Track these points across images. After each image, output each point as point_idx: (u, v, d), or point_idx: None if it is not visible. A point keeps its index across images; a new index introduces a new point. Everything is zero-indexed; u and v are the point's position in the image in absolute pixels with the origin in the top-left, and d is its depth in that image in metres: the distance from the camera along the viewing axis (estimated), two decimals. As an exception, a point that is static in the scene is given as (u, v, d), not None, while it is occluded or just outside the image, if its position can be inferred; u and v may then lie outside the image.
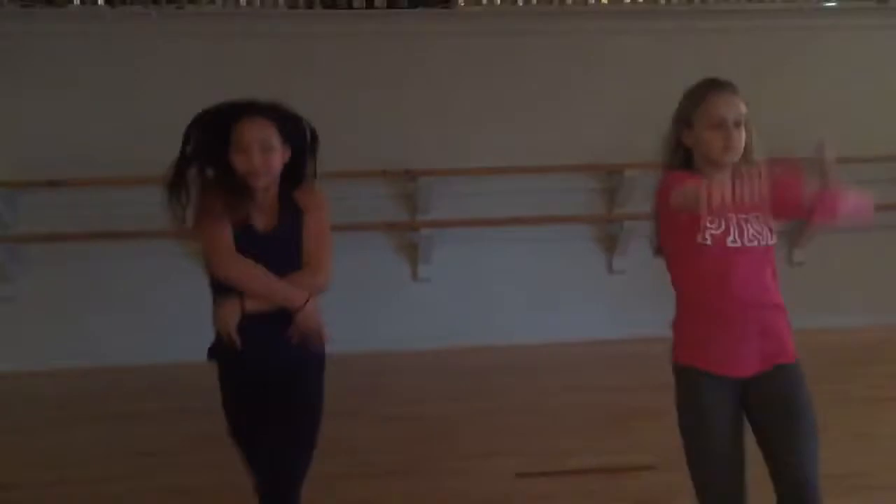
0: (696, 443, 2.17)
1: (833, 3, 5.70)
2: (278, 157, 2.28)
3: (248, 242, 2.26)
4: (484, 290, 5.47)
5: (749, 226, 2.15)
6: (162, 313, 4.99)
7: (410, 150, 5.24)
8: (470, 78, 5.39)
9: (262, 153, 2.24)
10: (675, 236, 2.18)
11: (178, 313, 4.73)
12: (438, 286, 5.43)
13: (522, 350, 5.17)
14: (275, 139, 2.26)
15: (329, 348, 2.45)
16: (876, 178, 5.21)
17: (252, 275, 2.22)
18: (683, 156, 2.25)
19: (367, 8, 5.17)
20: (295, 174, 2.36)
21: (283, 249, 2.30)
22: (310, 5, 5.12)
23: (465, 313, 5.39)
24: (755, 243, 2.14)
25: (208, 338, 2.28)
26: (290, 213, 2.31)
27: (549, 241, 5.42)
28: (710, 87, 2.23)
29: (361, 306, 5.27)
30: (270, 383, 2.27)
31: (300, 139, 2.37)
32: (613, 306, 5.30)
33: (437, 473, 3.47)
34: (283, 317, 2.26)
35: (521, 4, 5.43)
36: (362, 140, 5.14)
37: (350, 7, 5.13)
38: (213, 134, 2.28)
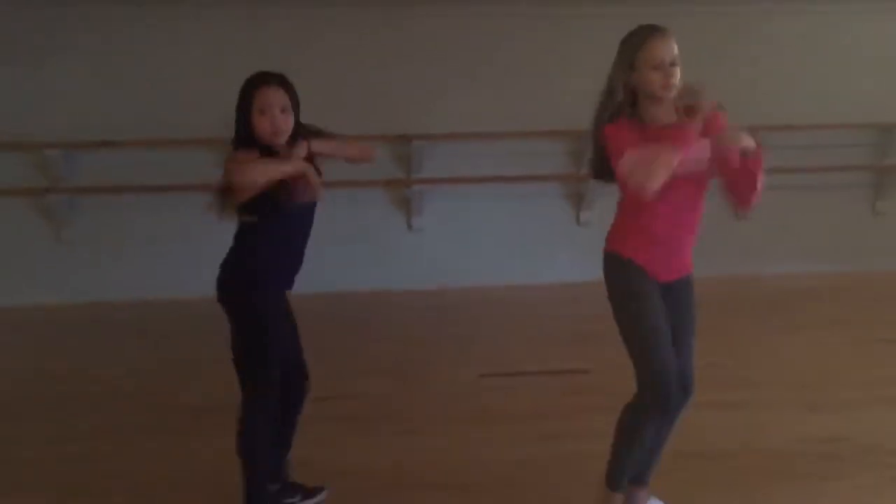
0: (644, 321, 2.44)
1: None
2: (291, 118, 2.57)
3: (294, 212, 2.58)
4: (469, 239, 6.00)
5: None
6: (196, 254, 5.51)
7: (406, 116, 5.72)
8: (459, 53, 5.76)
9: (282, 114, 2.54)
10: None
11: (212, 254, 5.36)
12: (430, 235, 5.99)
13: (500, 290, 5.81)
14: (288, 104, 2.57)
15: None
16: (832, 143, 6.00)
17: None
18: (629, 97, 2.42)
19: None
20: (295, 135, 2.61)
21: (307, 217, 2.67)
22: None
23: (453, 259, 5.95)
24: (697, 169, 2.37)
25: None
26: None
27: (525, 196, 5.91)
28: (650, 32, 2.39)
29: (363, 252, 5.90)
30: None
31: (298, 106, 2.62)
32: (580, 254, 5.59)
33: (419, 376, 4.24)
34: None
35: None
36: (364, 108, 5.62)
37: None
38: (239, 103, 2.56)
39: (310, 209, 2.70)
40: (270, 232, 2.61)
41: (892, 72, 6.15)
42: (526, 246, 5.97)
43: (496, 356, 4.54)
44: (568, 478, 3.06)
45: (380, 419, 3.70)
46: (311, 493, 2.93)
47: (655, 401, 2.45)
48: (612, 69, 2.47)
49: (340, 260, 5.84)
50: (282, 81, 2.59)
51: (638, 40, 2.41)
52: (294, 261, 2.71)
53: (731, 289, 5.83)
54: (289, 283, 2.73)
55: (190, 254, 5.51)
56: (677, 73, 2.38)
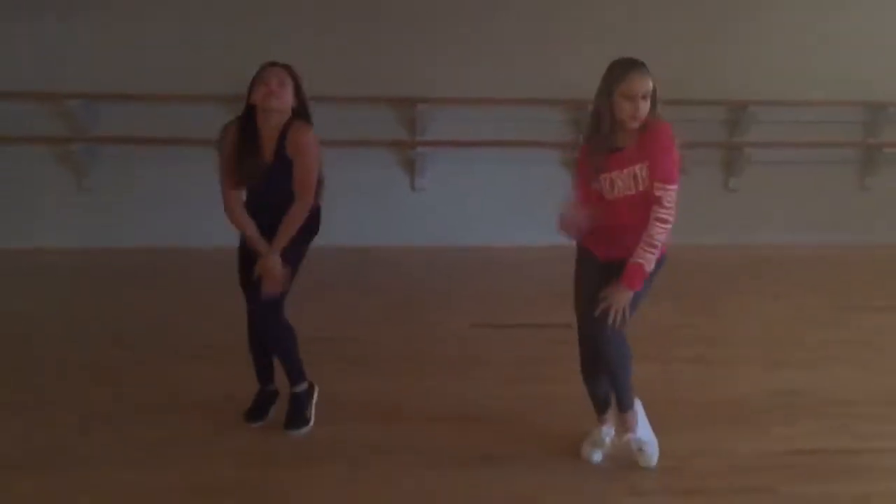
0: (577, 286, 3.00)
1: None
2: (289, 92, 2.98)
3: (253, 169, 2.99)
4: (469, 200, 6.27)
5: (620, 181, 2.75)
6: (207, 205, 5.84)
7: (412, 81, 5.98)
8: (463, 20, 5.99)
9: (278, 84, 2.95)
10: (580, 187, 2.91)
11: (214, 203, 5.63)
12: (432, 195, 6.26)
13: (497, 249, 6.09)
14: (289, 84, 2.99)
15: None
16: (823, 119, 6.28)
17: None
18: (610, 120, 2.72)
19: None
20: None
21: (273, 175, 3.01)
22: None
23: (453, 218, 6.23)
24: (627, 193, 2.75)
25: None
26: (281, 155, 2.99)
27: (525, 161, 6.15)
28: (629, 69, 2.69)
29: (370, 209, 6.21)
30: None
31: (303, 95, 3.06)
32: (575, 218, 6.28)
33: (414, 324, 4.57)
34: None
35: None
36: (374, 72, 5.92)
37: None
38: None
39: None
40: None
41: (882, 51, 6.35)
42: (523, 209, 6.14)
43: (488, 309, 4.85)
44: (552, 414, 3.37)
45: (378, 360, 4.01)
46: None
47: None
48: (596, 95, 2.78)
49: (347, 216, 6.10)
50: (284, 66, 3.03)
51: (620, 72, 2.72)
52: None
53: (722, 258, 6.13)
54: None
55: (201, 205, 5.74)
56: (646, 106, 2.70)
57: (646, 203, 2.74)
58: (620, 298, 2.75)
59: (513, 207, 6.26)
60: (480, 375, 3.81)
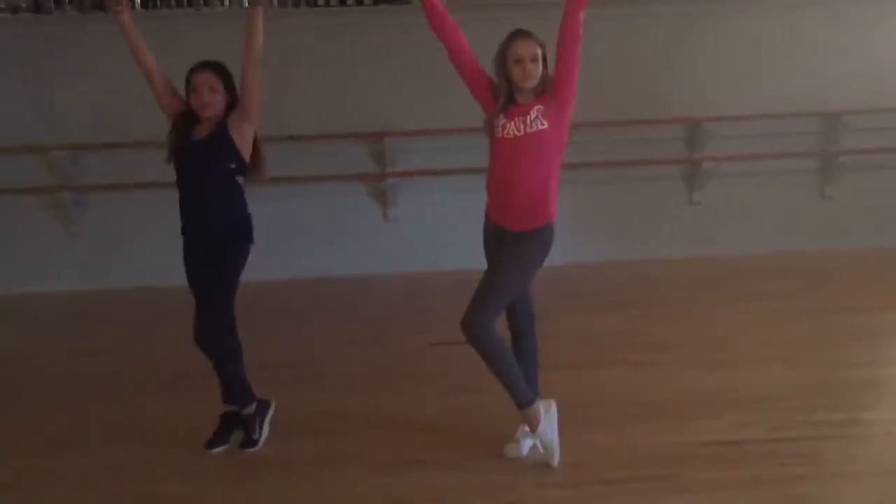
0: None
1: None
2: (220, 95, 3.23)
3: (185, 147, 3.23)
4: (440, 228, 6.43)
5: (512, 125, 3.04)
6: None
7: (379, 116, 6.23)
8: (423, 59, 5.77)
9: (209, 93, 3.20)
10: None
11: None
12: (403, 225, 6.48)
13: (467, 273, 6.25)
14: (219, 87, 3.23)
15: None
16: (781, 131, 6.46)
17: None
18: (507, 83, 3.08)
19: (340, 5, 6.09)
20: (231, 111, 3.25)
21: (207, 150, 3.22)
22: (297, 4, 6.08)
23: (425, 245, 6.43)
24: (517, 134, 3.03)
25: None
26: (215, 136, 3.22)
27: None
28: (514, 35, 3.08)
29: (343, 241, 6.43)
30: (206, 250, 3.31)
31: (233, 86, 3.27)
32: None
33: (377, 345, 4.81)
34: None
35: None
36: (342, 109, 6.18)
37: (328, 5, 6.06)
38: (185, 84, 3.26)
39: None
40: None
41: (834, 62, 6.54)
42: None
43: (448, 328, 5.04)
44: (483, 420, 3.60)
45: (332, 380, 4.25)
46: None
47: None
48: (495, 63, 3.15)
49: (321, 248, 6.43)
50: (213, 66, 3.30)
51: (507, 41, 3.10)
52: None
53: (687, 270, 6.30)
54: None
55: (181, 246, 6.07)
56: (536, 67, 3.04)
57: (535, 150, 3.03)
58: None
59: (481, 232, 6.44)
60: (426, 390, 4.04)
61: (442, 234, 6.51)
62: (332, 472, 3.22)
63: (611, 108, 6.18)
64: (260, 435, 3.50)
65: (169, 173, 5.72)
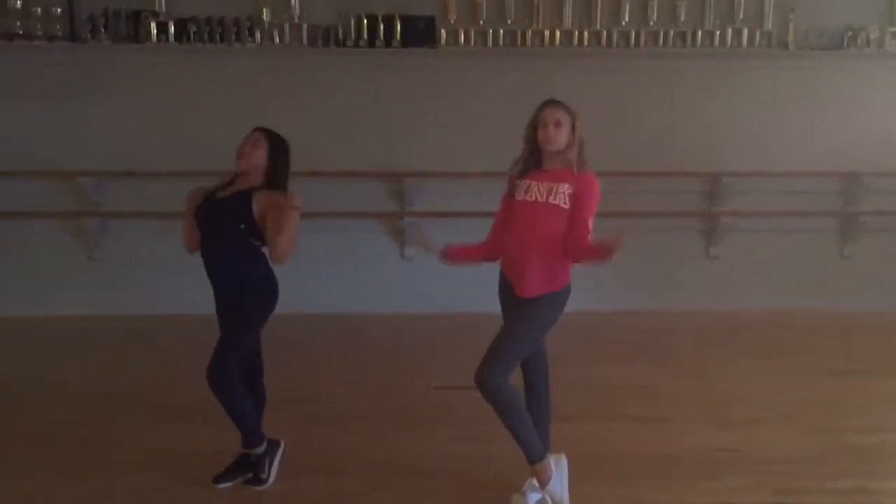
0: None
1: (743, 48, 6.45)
2: (261, 151, 3.37)
3: (206, 202, 3.38)
4: (452, 270, 6.41)
5: (536, 188, 3.13)
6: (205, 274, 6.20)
7: (399, 157, 6.36)
8: (447, 102, 6.35)
9: (251, 147, 3.39)
10: None
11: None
12: (420, 264, 6.46)
13: (480, 316, 6.24)
14: (262, 144, 3.39)
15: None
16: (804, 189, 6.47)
17: None
18: (533, 146, 3.21)
19: (369, 47, 6.17)
20: (270, 184, 3.39)
21: (224, 207, 3.33)
22: (326, 44, 6.17)
23: (441, 286, 6.26)
24: (539, 198, 3.10)
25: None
26: (243, 196, 3.33)
27: None
28: (544, 104, 3.21)
29: (360, 278, 6.50)
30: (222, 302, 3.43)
31: (283, 162, 3.44)
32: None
33: (382, 386, 4.81)
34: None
35: (489, 46, 6.27)
36: (363, 149, 6.32)
37: (357, 46, 6.15)
38: None
39: None
40: None
41: (857, 122, 6.56)
42: None
43: (454, 372, 5.03)
44: (497, 468, 3.57)
45: (337, 419, 4.25)
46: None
47: None
48: (527, 129, 3.27)
49: (337, 284, 6.48)
50: (265, 130, 3.46)
51: (538, 108, 3.25)
52: None
53: (702, 323, 6.28)
54: None
55: (200, 274, 6.15)
56: (559, 133, 3.15)
57: (550, 218, 3.09)
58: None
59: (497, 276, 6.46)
60: (431, 434, 4.03)
61: (455, 276, 6.44)
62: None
63: (630, 159, 6.23)
64: (268, 475, 3.51)
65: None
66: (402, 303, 6.48)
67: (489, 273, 6.45)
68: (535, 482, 3.20)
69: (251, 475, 3.49)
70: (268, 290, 3.48)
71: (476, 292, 6.52)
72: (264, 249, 3.42)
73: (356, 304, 6.47)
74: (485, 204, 6.39)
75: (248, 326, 3.42)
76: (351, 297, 6.46)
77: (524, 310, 3.17)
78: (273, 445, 3.57)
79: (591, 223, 3.14)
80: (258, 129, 3.48)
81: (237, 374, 3.36)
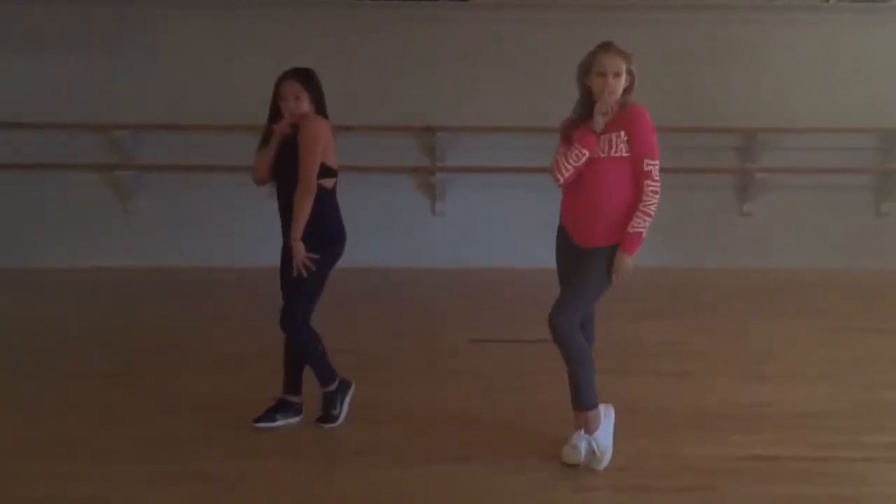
0: (558, 268, 3.29)
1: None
2: (305, 102, 3.36)
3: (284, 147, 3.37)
4: (487, 224, 6.58)
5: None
6: (240, 227, 6.30)
7: (432, 111, 6.39)
8: (480, 56, 6.37)
9: (295, 102, 3.35)
10: None
11: (248, 228, 6.06)
12: (451, 219, 6.61)
13: (511, 271, 6.33)
14: (302, 94, 3.35)
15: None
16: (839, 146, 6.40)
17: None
18: (587, 94, 3.08)
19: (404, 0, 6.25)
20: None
21: (282, 150, 3.37)
22: None
23: (471, 241, 6.57)
24: (600, 154, 3.02)
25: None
26: (293, 142, 3.34)
27: (538, 186, 5.99)
28: (601, 48, 3.05)
29: (391, 232, 6.59)
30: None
31: (320, 94, 3.42)
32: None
33: (420, 339, 4.88)
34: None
35: (523, -2, 6.25)
36: (396, 104, 6.36)
37: None
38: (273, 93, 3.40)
39: None
40: None
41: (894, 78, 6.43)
42: (538, 232, 6.25)
43: (489, 326, 5.13)
44: (527, 420, 3.62)
45: (377, 371, 4.31)
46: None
47: None
48: (579, 72, 3.13)
49: (369, 238, 6.49)
50: (300, 75, 3.38)
51: (593, 53, 3.08)
52: None
53: (735, 281, 6.27)
54: None
55: (235, 226, 6.28)
56: (618, 82, 3.02)
57: (616, 169, 3.04)
58: (625, 265, 3.08)
59: (530, 230, 6.36)
60: (468, 386, 4.08)
61: (487, 230, 6.59)
62: (374, 459, 3.28)
63: (666, 114, 6.11)
64: (339, 412, 3.63)
65: (222, 157, 6.11)
66: (434, 257, 6.54)
67: (518, 228, 6.55)
68: (582, 432, 3.23)
69: (321, 413, 3.60)
70: (326, 237, 3.49)
71: (506, 246, 6.64)
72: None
73: (389, 259, 6.53)
74: (516, 159, 6.51)
75: (308, 277, 3.43)
76: (383, 252, 6.51)
77: (593, 259, 3.15)
78: (345, 385, 3.69)
79: (653, 166, 3.05)
80: (288, 77, 3.40)
81: (305, 318, 3.50)
